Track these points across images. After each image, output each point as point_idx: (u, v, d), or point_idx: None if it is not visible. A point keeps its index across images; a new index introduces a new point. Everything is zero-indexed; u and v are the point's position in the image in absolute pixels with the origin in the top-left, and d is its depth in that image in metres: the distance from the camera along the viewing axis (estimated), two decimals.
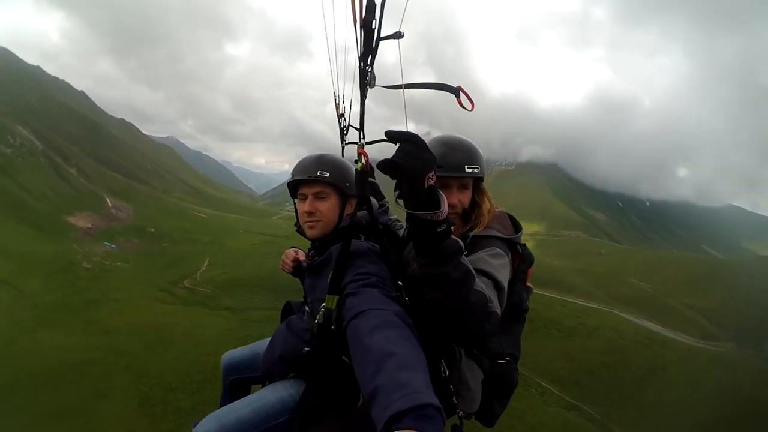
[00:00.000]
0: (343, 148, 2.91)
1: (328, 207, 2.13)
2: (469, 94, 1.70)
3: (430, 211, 1.40)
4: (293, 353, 2.06)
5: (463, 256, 1.56)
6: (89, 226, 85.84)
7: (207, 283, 60.03)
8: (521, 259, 2.11)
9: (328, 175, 2.11)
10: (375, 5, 1.50)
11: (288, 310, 2.46)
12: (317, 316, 1.87)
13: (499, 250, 1.92)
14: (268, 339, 2.39)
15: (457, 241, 1.54)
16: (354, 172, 2.00)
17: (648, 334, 49.71)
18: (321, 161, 2.16)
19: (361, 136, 1.82)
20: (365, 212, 1.98)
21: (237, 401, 2.10)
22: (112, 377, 32.23)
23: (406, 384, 1.13)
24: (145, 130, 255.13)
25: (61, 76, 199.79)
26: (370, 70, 1.66)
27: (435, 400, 1.09)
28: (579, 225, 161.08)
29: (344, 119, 2.93)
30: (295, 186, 2.21)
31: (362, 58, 1.65)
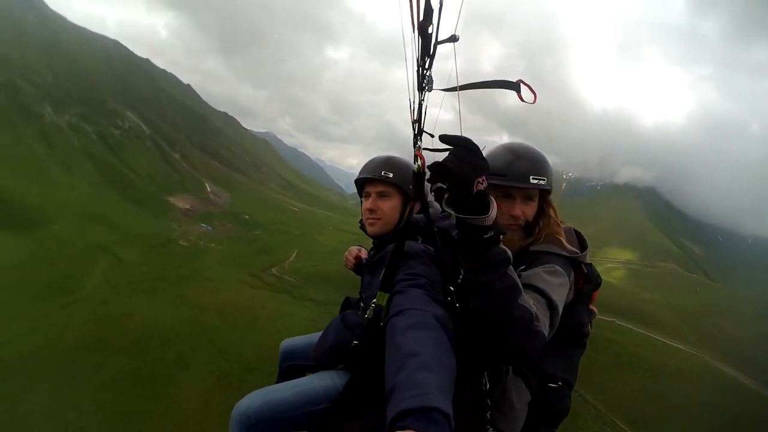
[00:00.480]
0: (414, 160, 2.45)
1: (390, 207, 2.32)
2: (531, 86, 1.76)
3: (476, 216, 1.49)
4: (343, 345, 2.22)
5: (511, 267, 1.62)
6: (188, 207, 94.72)
7: (294, 273, 63.23)
8: (585, 279, 2.11)
9: (391, 175, 2.30)
10: (432, 10, 1.63)
11: (346, 305, 2.63)
12: (367, 312, 2.05)
13: (559, 267, 1.95)
14: None
15: (505, 251, 1.60)
16: (412, 175, 2.10)
17: (736, 386, 47.86)
18: (388, 162, 2.35)
19: (419, 139, 1.94)
20: (423, 215, 2.12)
21: (284, 383, 2.33)
22: (195, 350, 33.81)
23: (420, 384, 1.22)
24: (246, 125, 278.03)
25: (169, 70, 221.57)
26: (428, 74, 1.80)
27: (444, 405, 1.16)
28: (675, 257, 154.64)
29: (418, 125, 2.49)
30: (362, 184, 2.41)
31: (420, 62, 1.79)
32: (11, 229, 55.45)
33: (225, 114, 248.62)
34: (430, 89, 1.84)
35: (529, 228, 2.16)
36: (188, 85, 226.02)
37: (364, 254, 2.80)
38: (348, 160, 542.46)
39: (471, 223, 1.51)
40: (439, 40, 1.72)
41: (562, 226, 2.17)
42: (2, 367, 30.75)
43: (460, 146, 1.50)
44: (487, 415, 1.92)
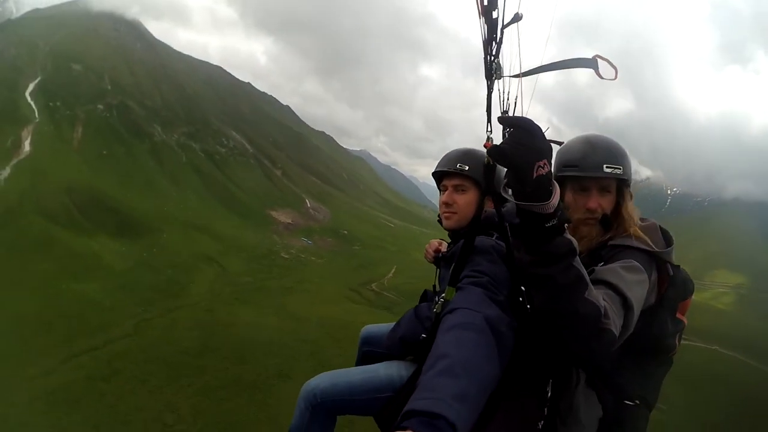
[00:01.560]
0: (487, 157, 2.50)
1: (466, 200, 2.35)
2: (610, 60, 1.76)
3: (535, 203, 1.43)
4: (412, 337, 2.34)
5: (577, 259, 1.59)
6: (289, 221, 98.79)
7: (393, 289, 63.51)
8: (671, 283, 2.05)
9: (467, 168, 2.31)
10: None
11: (424, 298, 2.72)
12: (435, 306, 2.17)
13: (637, 263, 1.91)
14: None
15: (570, 241, 1.55)
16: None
17: None
18: (465, 155, 2.38)
19: (489, 130, 1.90)
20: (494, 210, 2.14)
21: (353, 368, 2.53)
22: (296, 361, 34.11)
23: (436, 388, 1.28)
24: (342, 143, 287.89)
25: (269, 93, 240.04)
26: (495, 60, 1.78)
27: (453, 413, 1.19)
28: None
29: (507, 114, 3.07)
30: (440, 178, 2.45)
31: (486, 49, 1.78)
32: (122, 237, 60.02)
33: (323, 133, 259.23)
34: (500, 76, 1.81)
35: (607, 222, 2.12)
36: (287, 107, 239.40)
37: (444, 247, 2.82)
38: None
39: (531, 211, 1.45)
40: (505, 23, 1.68)
41: (646, 222, 2.12)
42: (106, 365, 31.55)
43: (519, 128, 1.45)
44: (539, 424, 1.88)
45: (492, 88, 1.79)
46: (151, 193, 79.32)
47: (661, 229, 2.13)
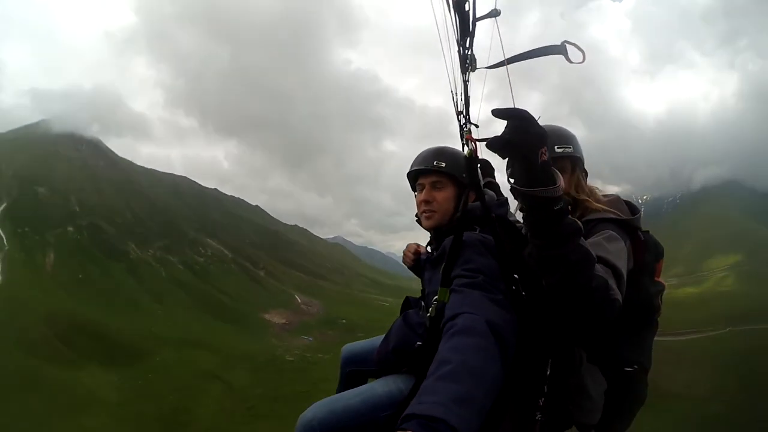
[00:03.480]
0: (463, 147, 2.76)
1: (444, 197, 2.38)
2: (578, 45, 1.86)
3: (545, 187, 1.52)
4: (406, 346, 2.30)
5: (582, 237, 1.67)
6: (284, 321, 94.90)
7: None
8: (645, 248, 2.18)
9: (444, 164, 2.36)
10: None
11: (406, 306, 2.68)
12: (430, 310, 2.12)
13: (613, 233, 2.03)
14: None
15: (575, 221, 1.64)
16: (465, 161, 2.22)
17: None
18: (439, 152, 2.44)
19: (468, 123, 2.05)
20: (479, 203, 2.22)
21: (348, 391, 2.42)
22: None
23: (438, 392, 1.32)
24: (315, 233, 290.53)
25: (237, 195, 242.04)
26: (469, 53, 1.90)
27: (455, 417, 1.23)
28: None
29: (463, 116, 2.76)
30: (415, 177, 2.49)
31: (460, 42, 1.88)
32: (113, 365, 55.46)
33: (296, 226, 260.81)
34: (474, 69, 1.92)
35: (572, 202, 2.24)
36: (257, 206, 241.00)
37: (422, 250, 2.86)
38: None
39: (541, 196, 1.52)
40: (478, 16, 1.81)
41: (609, 196, 2.28)
42: None
43: (516, 117, 1.51)
44: (540, 401, 1.96)
45: (468, 81, 1.91)
46: (135, 314, 75.38)
47: (625, 201, 2.25)
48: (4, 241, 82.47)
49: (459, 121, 2.74)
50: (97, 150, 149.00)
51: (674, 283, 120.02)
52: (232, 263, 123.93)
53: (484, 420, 1.32)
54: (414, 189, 2.54)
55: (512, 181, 1.57)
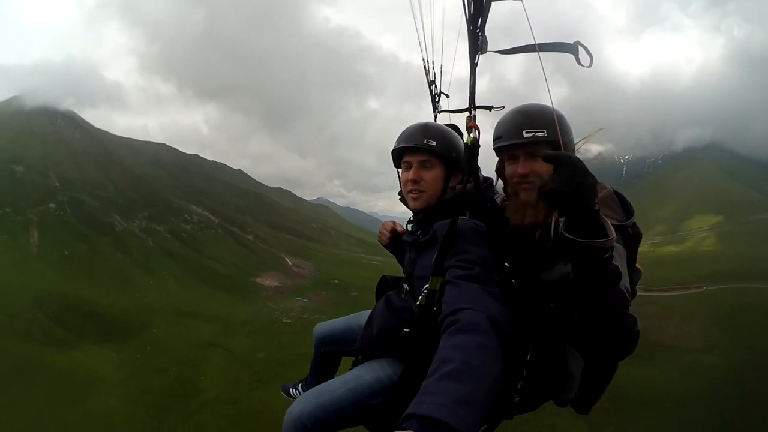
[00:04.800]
0: (435, 117, 2.94)
1: (433, 177, 2.31)
2: (588, 48, 1.84)
3: (598, 239, 1.51)
4: (392, 332, 2.26)
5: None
6: (277, 284, 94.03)
7: None
8: (632, 241, 2.17)
9: (435, 143, 2.29)
10: None
11: (384, 286, 2.64)
12: (420, 298, 2.08)
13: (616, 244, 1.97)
14: (362, 312, 2.76)
15: (617, 267, 1.67)
16: (461, 143, 2.23)
17: None
18: (427, 129, 2.36)
19: (473, 109, 1.96)
20: (472, 186, 2.18)
21: (334, 380, 2.42)
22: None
23: (440, 393, 1.31)
24: (298, 195, 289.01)
25: (218, 160, 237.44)
26: (481, 33, 1.81)
27: (455, 419, 1.22)
28: (764, 205, 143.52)
29: (435, 86, 2.94)
30: (400, 154, 2.42)
31: (471, 21, 1.79)
32: (109, 342, 54.46)
33: (279, 189, 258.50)
34: (484, 51, 1.82)
35: None
36: (239, 170, 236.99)
37: (399, 228, 2.77)
38: (398, 207, 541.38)
39: (593, 246, 1.51)
40: None
41: (602, 190, 2.11)
42: None
43: (569, 165, 1.48)
44: (518, 384, 1.98)
45: (477, 64, 1.80)
46: (126, 287, 73.82)
47: (616, 194, 2.15)
48: None
49: (431, 91, 2.81)
50: (72, 123, 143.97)
51: (657, 242, 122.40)
52: (219, 229, 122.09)
53: (483, 422, 1.30)
54: (397, 165, 2.40)
55: (564, 231, 1.54)
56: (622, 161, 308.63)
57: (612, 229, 1.52)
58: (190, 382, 46.13)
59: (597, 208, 1.48)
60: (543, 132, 2.06)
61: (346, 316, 2.99)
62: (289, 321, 70.63)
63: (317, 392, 2.24)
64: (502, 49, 1.94)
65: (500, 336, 1.57)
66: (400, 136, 2.39)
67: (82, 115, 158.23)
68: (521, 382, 1.99)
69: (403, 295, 2.34)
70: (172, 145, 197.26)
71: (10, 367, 43.54)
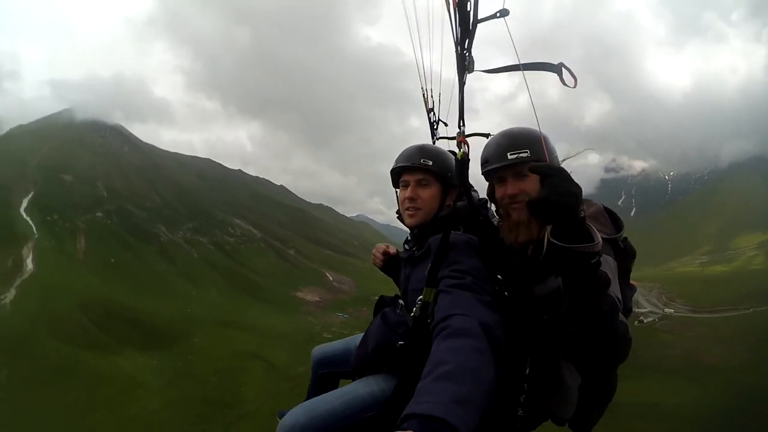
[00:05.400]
0: (434, 143, 3.01)
1: (430, 195, 2.37)
2: (572, 70, 1.90)
3: (587, 244, 1.57)
4: (387, 346, 2.25)
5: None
6: (317, 299, 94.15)
7: None
8: (624, 255, 2.23)
9: (431, 163, 2.36)
10: None
11: (381, 305, 2.61)
12: (414, 309, 2.09)
13: (605, 255, 2.01)
14: (360, 334, 2.68)
15: (606, 273, 1.72)
16: (455, 162, 2.26)
17: None
18: (424, 150, 2.43)
19: (462, 125, 2.05)
20: (465, 203, 2.27)
21: (327, 393, 2.34)
22: None
23: (436, 392, 1.35)
24: (339, 211, 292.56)
25: (261, 176, 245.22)
26: (468, 54, 1.91)
27: (455, 417, 1.26)
28: None
29: (434, 114, 3.04)
30: (398, 174, 2.47)
31: (459, 42, 1.90)
32: (151, 349, 54.64)
33: (320, 205, 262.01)
34: (471, 70, 1.92)
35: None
36: (281, 186, 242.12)
37: (392, 250, 2.86)
38: None
39: (580, 251, 1.57)
40: (484, 16, 1.85)
41: (592, 206, 2.21)
42: None
43: (555, 176, 1.56)
44: (521, 398, 2.04)
45: (464, 82, 1.92)
46: (169, 296, 74.91)
47: (606, 210, 2.22)
48: (34, 229, 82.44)
49: (429, 118, 2.94)
50: (121, 136, 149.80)
51: (705, 261, 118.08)
52: (262, 243, 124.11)
53: (479, 422, 1.34)
54: (395, 185, 2.51)
55: (552, 237, 1.60)
56: (667, 178, 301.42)
57: (598, 235, 1.59)
58: (230, 391, 45.47)
59: (583, 215, 1.56)
60: (526, 152, 2.11)
61: (345, 338, 2.90)
62: (329, 336, 69.25)
63: (311, 404, 2.19)
64: (489, 68, 2.00)
65: (492, 341, 1.62)
66: (398, 156, 2.46)
67: (130, 129, 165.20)
68: (523, 396, 2.03)
69: (398, 311, 2.31)
70: (217, 160, 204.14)
71: (51, 367, 44.10)
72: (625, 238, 2.22)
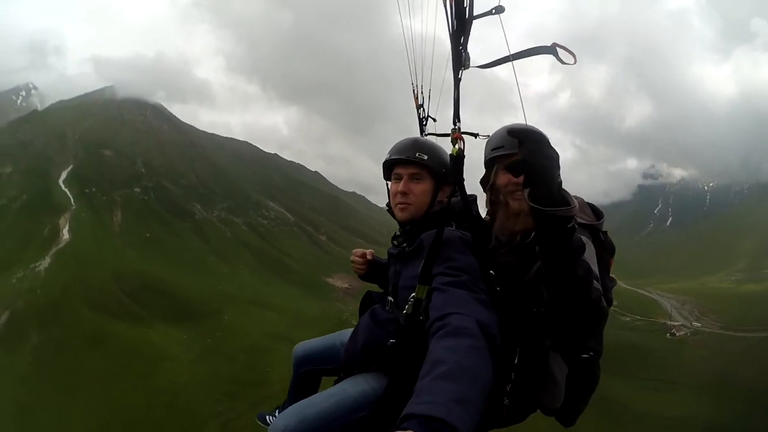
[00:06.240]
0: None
1: (422, 190, 2.37)
2: (567, 47, 1.92)
3: (564, 207, 1.62)
4: (377, 344, 2.26)
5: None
6: (347, 286, 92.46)
7: None
8: (603, 246, 2.31)
9: (426, 157, 2.36)
10: None
11: (368, 301, 2.63)
12: (406, 306, 2.10)
13: (585, 239, 2.09)
14: (345, 330, 2.74)
15: (581, 239, 1.78)
16: (449, 158, 2.27)
17: None
18: (418, 144, 2.44)
19: (457, 121, 2.12)
20: (458, 199, 2.29)
21: (316, 395, 2.33)
22: None
23: (435, 392, 1.35)
24: (371, 200, 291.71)
25: (296, 161, 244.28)
26: (463, 50, 1.95)
27: (454, 417, 1.26)
28: None
29: (423, 110, 3.19)
30: (390, 167, 2.47)
31: (455, 38, 1.93)
32: (181, 323, 55.14)
33: (354, 193, 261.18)
34: (467, 66, 1.95)
35: None
36: (316, 172, 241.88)
37: (370, 254, 2.86)
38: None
39: (557, 215, 1.61)
40: (479, 13, 1.88)
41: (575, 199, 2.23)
42: None
43: (533, 140, 1.61)
44: (507, 387, 2.08)
45: (460, 78, 1.97)
46: (202, 273, 75.81)
47: (589, 204, 2.35)
48: (72, 201, 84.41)
49: (419, 114, 3.07)
50: (161, 115, 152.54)
51: (739, 278, 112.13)
52: (295, 226, 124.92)
53: (477, 421, 1.35)
54: (387, 178, 2.49)
55: (530, 201, 1.64)
56: (706, 188, 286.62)
57: (573, 200, 1.63)
58: (257, 371, 45.58)
59: (560, 180, 1.60)
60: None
61: (326, 335, 2.90)
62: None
63: (300, 407, 2.17)
64: (483, 63, 2.03)
65: (489, 340, 1.63)
66: (391, 149, 2.44)
67: (170, 109, 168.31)
68: (510, 385, 2.06)
69: (388, 308, 2.32)
70: (254, 143, 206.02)
71: (82, 335, 44.84)
72: (605, 232, 2.29)
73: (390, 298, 2.34)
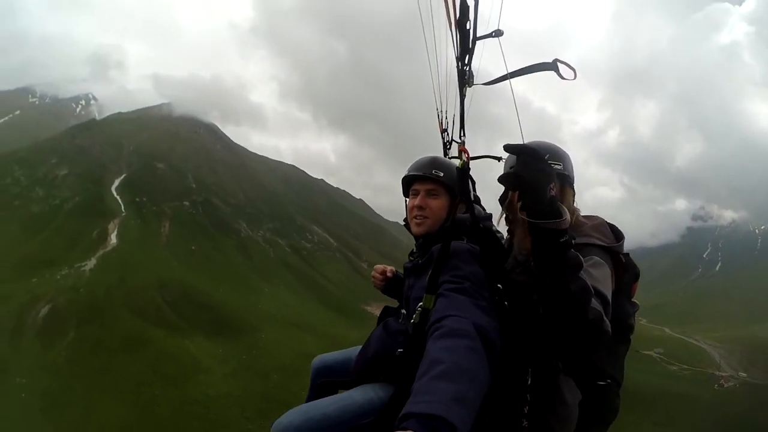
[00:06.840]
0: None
1: (438, 205, 2.47)
2: (569, 63, 2.00)
3: (553, 220, 1.64)
4: (386, 354, 2.33)
5: (582, 272, 1.79)
6: None
7: None
8: (624, 269, 2.31)
9: (442, 174, 2.47)
10: (468, 7, 1.93)
11: (385, 315, 2.74)
12: (414, 316, 2.16)
13: (599, 259, 2.14)
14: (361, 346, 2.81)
15: (577, 255, 1.76)
16: (456, 171, 2.37)
17: None
18: (436, 161, 2.55)
19: (462, 135, 2.29)
20: (468, 214, 2.37)
21: (324, 399, 2.41)
22: None
23: (433, 391, 1.38)
24: None
25: (342, 188, 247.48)
26: (468, 69, 2.12)
27: (453, 415, 1.29)
28: None
29: (447, 134, 3.36)
30: (409, 183, 2.59)
31: (459, 58, 2.11)
32: (218, 336, 55.13)
33: (396, 223, 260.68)
34: (471, 84, 2.14)
35: None
36: (360, 200, 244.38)
37: (390, 272, 3.03)
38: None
39: (548, 228, 1.64)
40: (481, 35, 2.05)
41: (594, 219, 2.35)
42: None
43: (527, 154, 1.65)
44: (525, 409, 2.10)
45: (465, 95, 2.14)
46: (243, 290, 76.46)
47: (609, 225, 2.34)
48: (122, 207, 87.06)
49: (443, 138, 3.24)
50: (214, 134, 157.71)
51: None
52: (337, 252, 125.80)
53: (474, 421, 1.38)
54: (406, 194, 2.61)
55: (523, 213, 1.68)
56: (757, 231, 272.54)
57: (567, 213, 1.65)
58: (290, 391, 44.57)
59: (553, 193, 1.63)
60: (560, 165, 2.28)
61: (345, 349, 2.99)
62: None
63: (307, 407, 2.25)
64: (488, 81, 2.15)
65: (485, 342, 1.65)
66: (411, 166, 2.57)
67: (223, 129, 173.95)
68: (527, 407, 2.08)
69: (400, 320, 2.38)
70: (301, 168, 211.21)
71: (119, 337, 45.19)
72: (627, 254, 2.26)
73: (403, 311, 2.38)
